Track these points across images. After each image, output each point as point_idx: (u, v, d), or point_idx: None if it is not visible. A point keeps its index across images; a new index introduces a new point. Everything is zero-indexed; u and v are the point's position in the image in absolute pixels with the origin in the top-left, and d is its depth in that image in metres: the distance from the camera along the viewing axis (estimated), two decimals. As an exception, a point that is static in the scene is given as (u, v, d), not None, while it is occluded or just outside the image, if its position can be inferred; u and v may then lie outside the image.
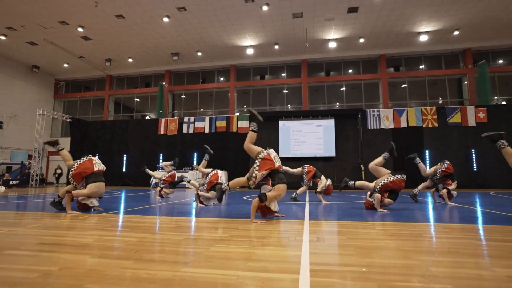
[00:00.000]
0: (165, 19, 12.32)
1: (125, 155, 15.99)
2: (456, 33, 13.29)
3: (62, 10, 11.80)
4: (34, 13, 11.93)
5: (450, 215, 4.34)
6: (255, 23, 12.74)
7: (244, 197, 7.81)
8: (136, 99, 18.75)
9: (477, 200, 6.83)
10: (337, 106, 16.07)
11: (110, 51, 15.49)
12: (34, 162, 14.55)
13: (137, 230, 3.08)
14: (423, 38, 13.47)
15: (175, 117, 16.46)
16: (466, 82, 14.75)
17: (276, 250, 2.28)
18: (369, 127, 13.78)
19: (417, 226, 3.37)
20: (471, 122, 12.90)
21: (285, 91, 16.73)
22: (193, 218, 4.02)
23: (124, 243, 2.46)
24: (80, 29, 13.14)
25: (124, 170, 15.90)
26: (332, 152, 13.95)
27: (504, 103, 14.61)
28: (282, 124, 14.58)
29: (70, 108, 19.41)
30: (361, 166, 13.31)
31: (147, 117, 18.28)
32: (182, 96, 18.18)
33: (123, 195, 8.52)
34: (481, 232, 3.08)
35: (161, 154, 15.36)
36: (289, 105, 16.70)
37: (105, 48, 15.16)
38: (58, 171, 16.93)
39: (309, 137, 14.28)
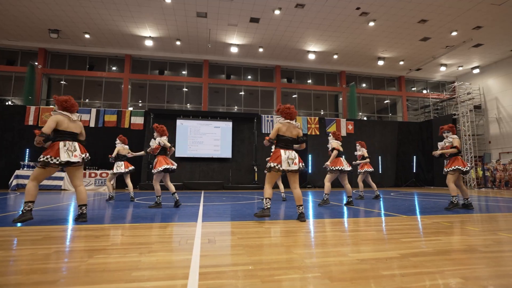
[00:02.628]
0: (42, -13, 10.25)
1: (-29, 149, 12.43)
2: (335, 56, 15.77)
3: None
4: None
5: (324, 211, 5.09)
6: (157, 14, 11.98)
7: (136, 199, 7.19)
8: (-7, 79, 14.88)
9: (343, 197, 8.25)
10: (236, 109, 16.69)
11: (-46, 11, 11.82)
12: None
13: (-16, 246, 2.43)
14: (311, 56, 15.44)
15: (51, 106, 13.82)
16: (341, 99, 17.66)
17: (166, 255, 2.19)
18: (263, 131, 14.90)
19: (296, 223, 3.80)
20: (343, 132, 15.53)
21: (185, 89, 16.32)
22: (69, 226, 3.46)
23: (-40, 265, 1.90)
24: None
25: (-32, 168, 12.32)
26: (228, 154, 14.40)
27: (365, 118, 18.20)
28: (180, 123, 14.16)
29: None
30: (255, 168, 14.20)
31: (9, 103, 14.75)
32: (62, 82, 15.45)
33: (-36, 201, 6.59)
34: (346, 224, 3.74)
35: (27, 150, 12.60)
36: (188, 104, 16.37)
37: None
38: None
39: (207, 138, 14.35)
